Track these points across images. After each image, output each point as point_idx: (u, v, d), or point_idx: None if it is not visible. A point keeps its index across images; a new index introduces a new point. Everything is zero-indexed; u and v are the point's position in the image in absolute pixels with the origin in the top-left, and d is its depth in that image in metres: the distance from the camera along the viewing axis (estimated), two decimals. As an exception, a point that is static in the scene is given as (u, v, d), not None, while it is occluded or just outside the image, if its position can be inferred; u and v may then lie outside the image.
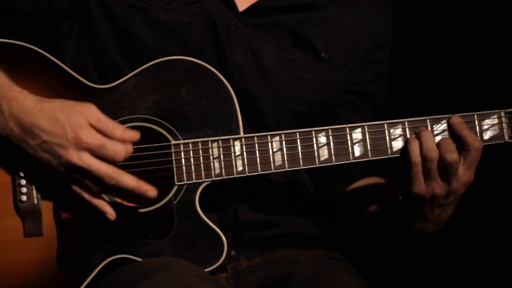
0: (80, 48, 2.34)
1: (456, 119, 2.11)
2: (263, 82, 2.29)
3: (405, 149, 2.11)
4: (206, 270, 2.13)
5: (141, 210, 2.13)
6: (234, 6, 2.28)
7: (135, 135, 2.05)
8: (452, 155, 2.04)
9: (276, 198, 2.34)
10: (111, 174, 2.01)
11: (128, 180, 2.03)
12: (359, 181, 2.43)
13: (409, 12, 2.61)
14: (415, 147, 2.08)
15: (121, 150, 2.01)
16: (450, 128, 2.12)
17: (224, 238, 2.13)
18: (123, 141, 2.02)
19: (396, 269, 3.37)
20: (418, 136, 2.09)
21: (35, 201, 2.09)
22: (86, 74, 2.27)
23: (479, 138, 2.13)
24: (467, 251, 3.36)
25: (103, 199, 2.09)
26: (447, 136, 2.10)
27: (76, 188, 2.06)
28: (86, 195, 2.07)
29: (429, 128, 2.12)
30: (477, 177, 2.13)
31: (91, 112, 2.02)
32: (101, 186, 2.03)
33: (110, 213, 2.08)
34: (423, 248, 3.22)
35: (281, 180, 2.35)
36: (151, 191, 2.05)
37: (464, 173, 2.07)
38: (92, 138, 1.99)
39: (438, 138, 2.09)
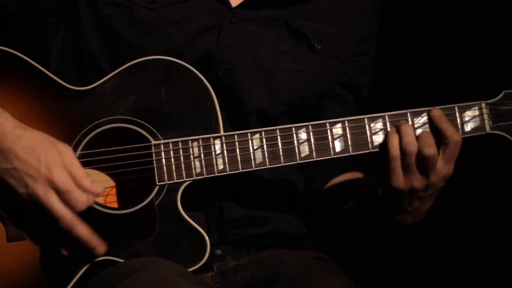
0: (65, 47, 2.34)
1: (436, 111, 2.10)
2: (259, 77, 2.28)
3: (384, 143, 2.10)
4: (190, 269, 2.12)
5: (123, 212, 2.12)
6: (227, 2, 2.28)
7: (100, 191, 2.05)
8: (430, 149, 2.03)
9: (262, 196, 2.34)
10: (68, 220, 2.00)
11: (83, 231, 2.03)
12: (340, 175, 2.42)
13: (389, 5, 2.60)
14: (394, 141, 2.07)
15: (83, 202, 2.01)
16: (431, 121, 2.11)
17: (207, 237, 2.13)
18: (88, 192, 2.01)
19: (383, 269, 3.36)
20: (398, 130, 2.08)
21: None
22: (69, 75, 2.27)
23: (460, 130, 2.13)
24: (453, 249, 3.36)
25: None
26: (427, 130, 2.09)
27: (32, 220, 2.06)
28: (38, 227, 2.07)
29: (410, 122, 2.11)
30: (460, 172, 2.12)
31: (67, 154, 2.02)
32: (54, 227, 2.02)
33: (63, 251, 2.08)
34: (409, 247, 3.22)
35: (268, 177, 2.34)
36: (100, 247, 2.06)
37: (443, 167, 2.07)
38: (62, 181, 1.99)
39: (419, 131, 2.08)
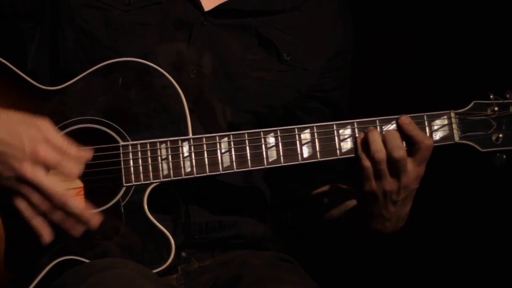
0: (41, 50, 2.35)
1: (405, 119, 2.10)
2: (224, 82, 2.29)
3: (354, 152, 2.10)
4: (155, 271, 2.12)
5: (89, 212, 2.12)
6: (200, 6, 2.29)
7: (88, 155, 2.04)
8: (399, 152, 2.03)
9: (229, 200, 2.33)
10: (60, 195, 1.98)
11: (76, 204, 2.00)
12: (322, 187, 2.42)
13: (361, 13, 2.61)
14: (363, 149, 2.07)
15: (75, 171, 2.00)
16: (400, 129, 2.10)
17: (172, 239, 2.13)
18: (76, 160, 2.01)
19: (347, 271, 3.36)
20: (365, 137, 2.07)
21: None
22: (42, 77, 2.28)
23: None
24: (420, 250, 3.36)
25: (43, 222, 2.03)
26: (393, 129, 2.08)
27: (21, 204, 2.01)
28: (28, 213, 2.02)
29: (379, 129, 2.11)
30: (429, 181, 2.12)
31: (49, 128, 2.00)
32: (47, 205, 2.00)
33: (45, 237, 2.03)
34: (375, 250, 3.22)
35: (234, 182, 2.34)
36: (93, 219, 2.03)
37: (414, 169, 2.07)
38: (49, 154, 1.96)
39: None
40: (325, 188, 2.41)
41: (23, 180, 1.96)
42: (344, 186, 2.34)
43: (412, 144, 2.07)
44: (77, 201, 2.00)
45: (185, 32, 2.27)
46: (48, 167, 1.96)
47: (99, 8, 2.26)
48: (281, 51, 2.32)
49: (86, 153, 2.03)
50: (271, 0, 2.35)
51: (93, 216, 2.02)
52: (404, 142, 2.08)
